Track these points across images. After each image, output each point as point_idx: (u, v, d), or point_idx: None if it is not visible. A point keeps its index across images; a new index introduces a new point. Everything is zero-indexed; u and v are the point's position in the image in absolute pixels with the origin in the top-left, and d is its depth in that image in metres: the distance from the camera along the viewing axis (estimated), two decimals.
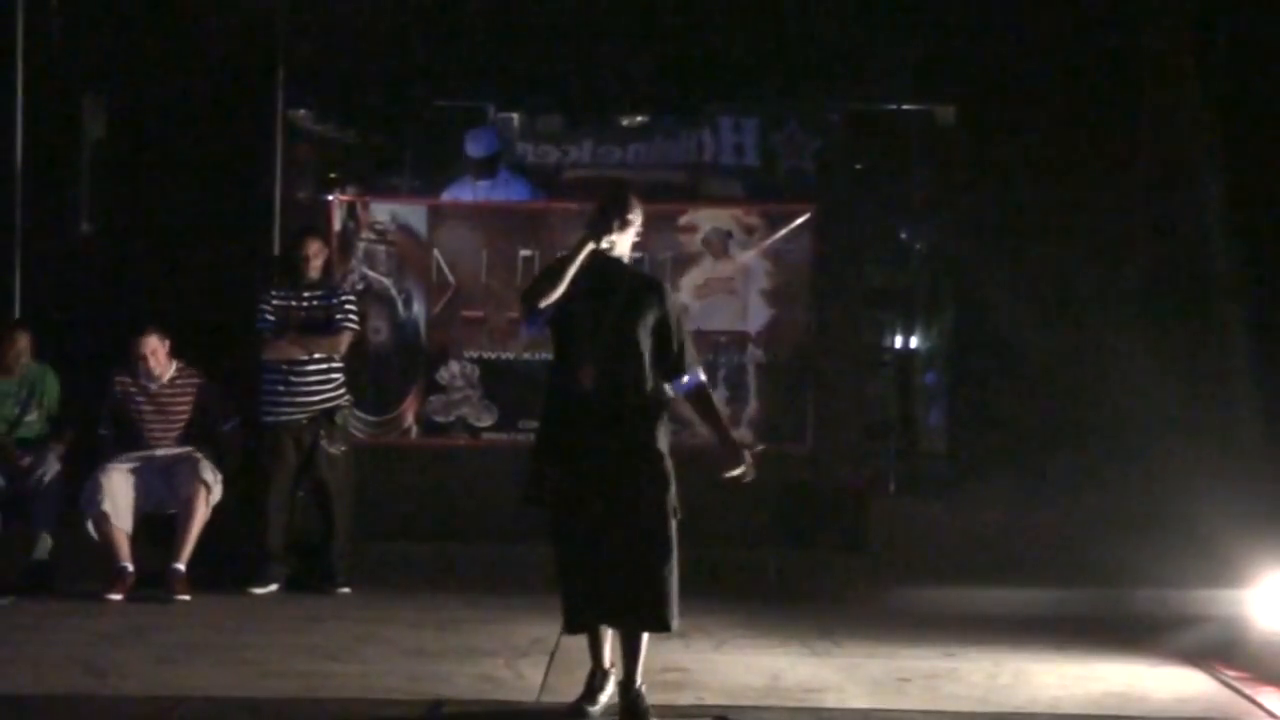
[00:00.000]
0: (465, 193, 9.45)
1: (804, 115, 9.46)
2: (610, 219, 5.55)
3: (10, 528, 7.89)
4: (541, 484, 5.63)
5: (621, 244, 5.60)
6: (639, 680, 5.59)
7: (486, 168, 9.37)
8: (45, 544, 7.84)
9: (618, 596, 5.51)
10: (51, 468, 7.93)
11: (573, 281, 5.50)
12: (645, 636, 5.58)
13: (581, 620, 5.64)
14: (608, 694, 5.72)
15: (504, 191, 9.41)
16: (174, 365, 8.15)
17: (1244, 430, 8.49)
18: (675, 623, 5.52)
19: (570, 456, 5.54)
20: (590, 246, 5.50)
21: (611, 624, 5.62)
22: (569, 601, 5.62)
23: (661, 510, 5.49)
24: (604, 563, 5.50)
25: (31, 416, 8.17)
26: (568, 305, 5.53)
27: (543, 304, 5.50)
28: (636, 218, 5.62)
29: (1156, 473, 8.44)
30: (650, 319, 5.56)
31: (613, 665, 5.74)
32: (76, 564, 7.88)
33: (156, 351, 8.07)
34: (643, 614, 5.50)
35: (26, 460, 7.93)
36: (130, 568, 7.76)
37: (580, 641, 6.00)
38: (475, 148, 9.38)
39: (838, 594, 7.96)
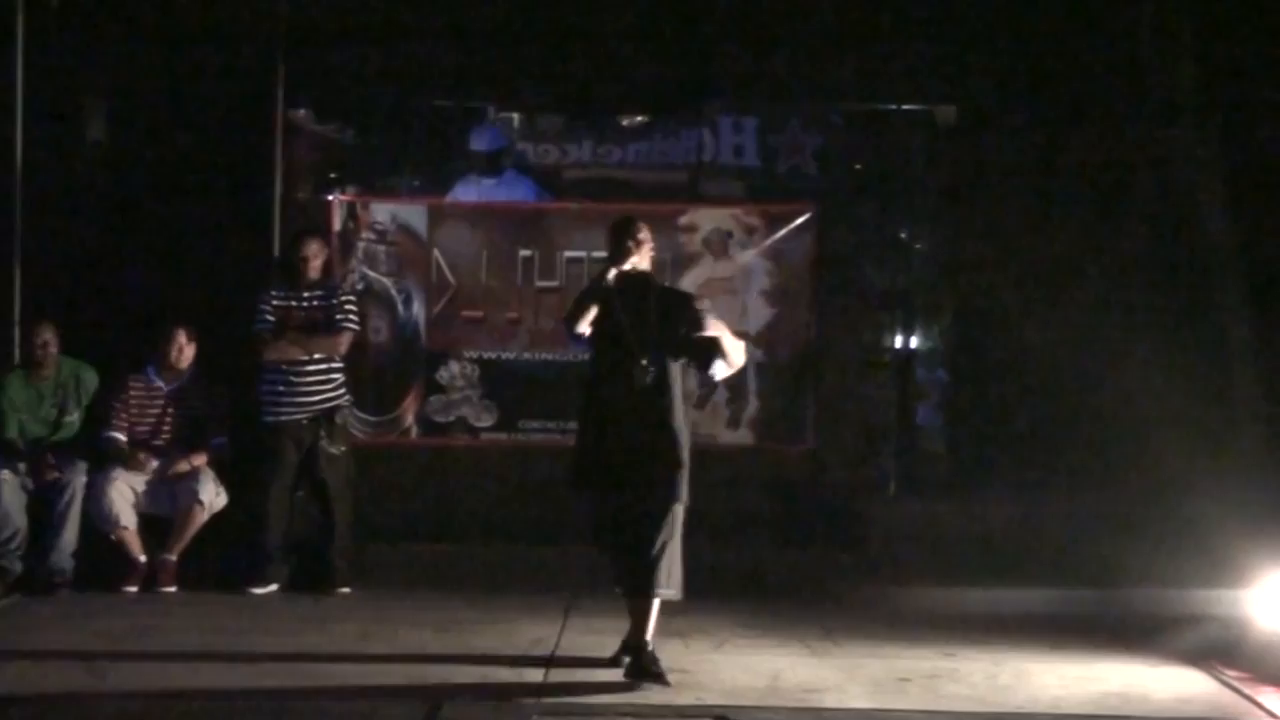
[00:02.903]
0: (471, 191, 9.45)
1: (804, 115, 9.47)
2: (624, 244, 6.28)
3: (34, 530, 7.88)
4: (583, 472, 6.28)
5: (642, 262, 6.33)
6: (649, 642, 6.13)
7: (492, 163, 9.37)
8: (65, 552, 7.84)
9: (625, 563, 6.21)
10: (79, 479, 7.89)
11: (615, 297, 6.26)
12: (656, 603, 6.14)
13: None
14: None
15: (510, 190, 9.42)
16: (193, 368, 8.22)
17: (1244, 430, 8.49)
18: (662, 591, 6.12)
19: (601, 448, 6.21)
20: (613, 271, 6.25)
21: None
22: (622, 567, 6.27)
23: (670, 492, 6.15)
24: (622, 535, 6.18)
25: (71, 417, 8.16)
26: (611, 317, 6.24)
27: (579, 327, 6.24)
28: (646, 238, 6.35)
29: (1156, 473, 8.44)
30: (670, 331, 6.24)
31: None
32: (85, 561, 7.89)
33: (184, 349, 8.17)
34: (635, 578, 6.15)
35: (54, 475, 7.90)
36: (143, 559, 7.92)
37: (579, 641, 6.34)
38: (480, 141, 9.39)
39: (838, 594, 7.96)
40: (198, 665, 6.32)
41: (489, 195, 9.40)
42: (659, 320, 6.26)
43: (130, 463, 7.99)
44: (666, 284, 6.55)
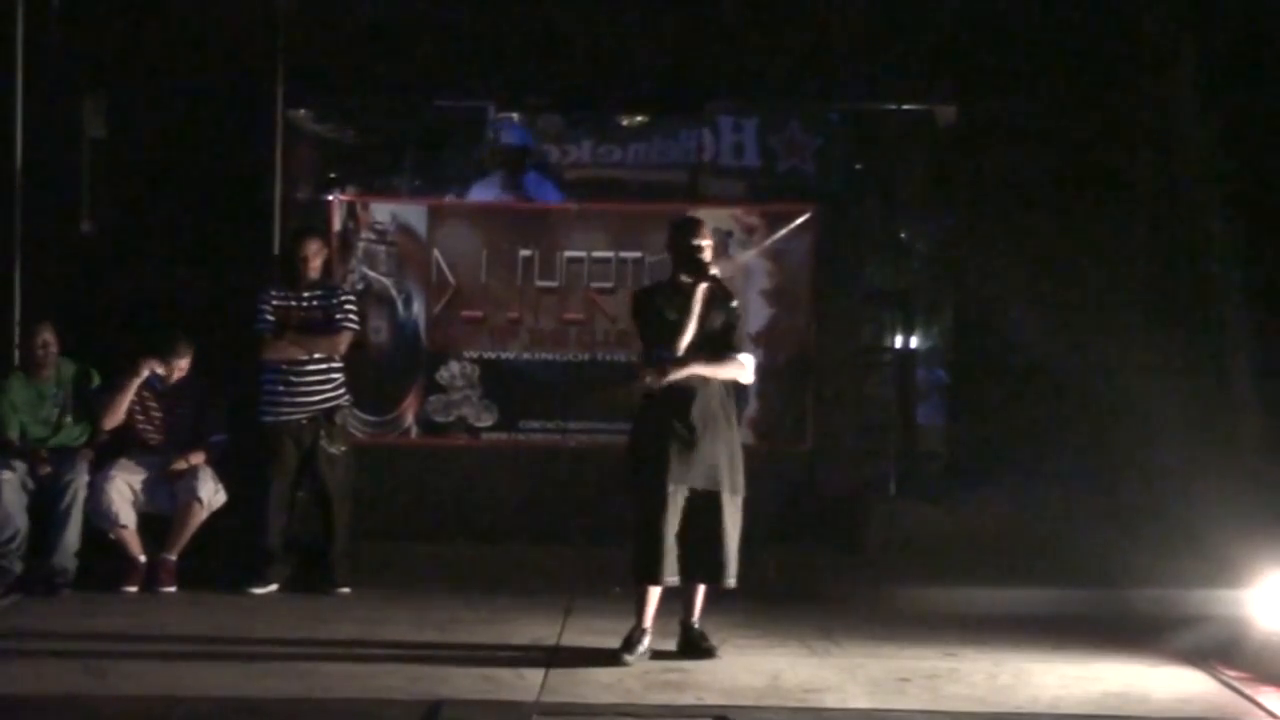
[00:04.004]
0: (493, 191, 9.42)
1: (804, 115, 9.46)
2: (687, 252, 6.56)
3: (36, 530, 7.87)
4: (637, 463, 6.56)
5: (707, 263, 6.59)
6: (697, 622, 6.62)
7: (517, 160, 9.36)
8: (68, 552, 7.83)
9: (688, 554, 6.47)
10: (80, 479, 7.87)
11: (665, 298, 6.58)
12: (702, 589, 6.60)
13: (658, 574, 6.42)
14: (644, 648, 6.45)
15: (535, 191, 9.40)
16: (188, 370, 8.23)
17: (1244, 430, 8.49)
18: (733, 581, 6.53)
19: (661, 439, 6.47)
20: (705, 286, 6.51)
21: (682, 578, 6.51)
22: (649, 557, 6.44)
23: (735, 485, 6.55)
24: (683, 525, 6.46)
25: (75, 426, 8.13)
26: (664, 316, 6.55)
27: (681, 348, 6.50)
28: (708, 241, 6.63)
29: (1156, 473, 8.44)
30: (720, 320, 6.62)
31: (651, 625, 6.51)
32: (85, 560, 7.89)
33: (184, 369, 8.17)
34: (708, 570, 6.51)
35: (47, 470, 7.87)
36: (143, 559, 7.92)
37: (580, 641, 6.40)
38: (509, 136, 9.38)
39: (838, 594, 7.96)
40: (198, 665, 6.33)
41: (517, 195, 9.37)
42: (713, 317, 6.58)
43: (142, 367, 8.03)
44: (720, 284, 6.77)
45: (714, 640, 6.59)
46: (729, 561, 6.52)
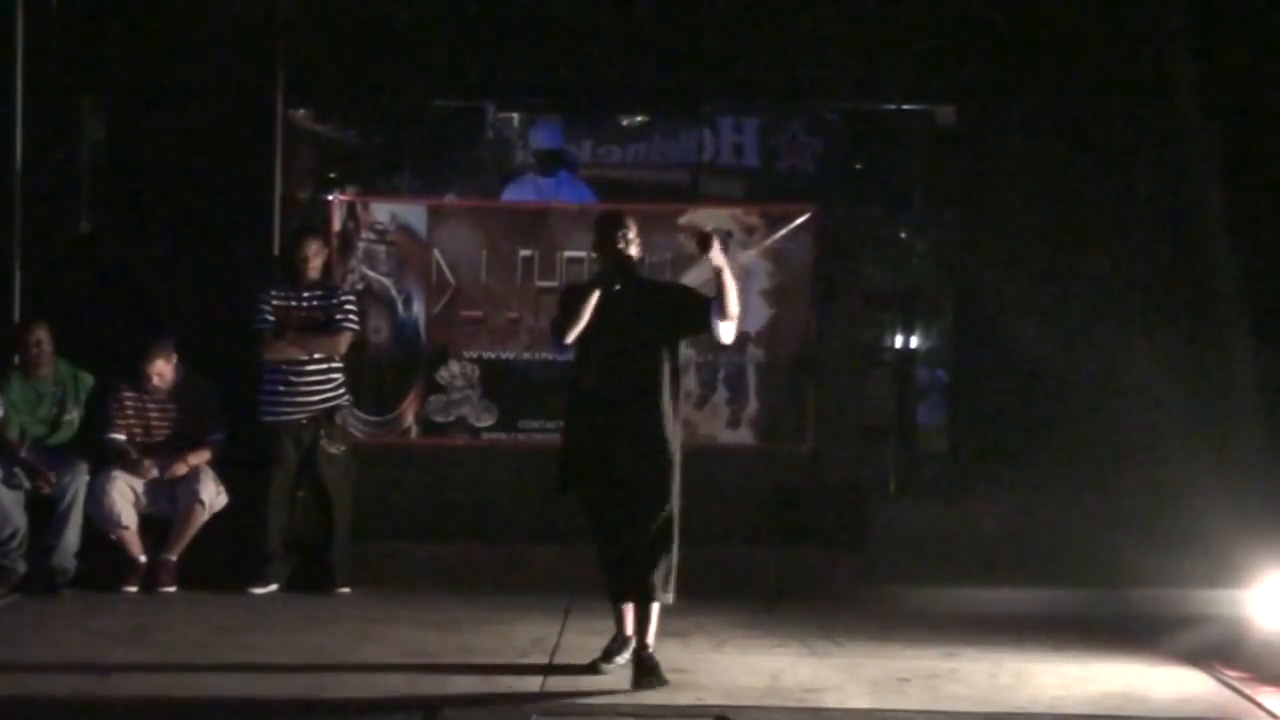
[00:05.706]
0: (527, 192, 9.41)
1: (804, 115, 9.46)
2: (611, 248, 6.23)
3: (36, 530, 7.87)
4: (567, 474, 6.27)
5: (629, 258, 6.27)
6: (650, 644, 6.14)
7: (550, 162, 9.34)
8: (68, 552, 7.83)
9: (623, 570, 6.15)
10: (80, 480, 7.88)
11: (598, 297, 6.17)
12: (655, 606, 6.13)
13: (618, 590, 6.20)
14: (624, 657, 6.24)
15: (568, 192, 9.40)
16: (180, 371, 8.20)
17: (1244, 430, 8.48)
18: (660, 594, 6.11)
19: (586, 449, 6.19)
20: (600, 284, 6.19)
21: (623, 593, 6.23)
22: (606, 572, 6.23)
23: (662, 495, 6.10)
24: (616, 540, 6.15)
25: (71, 415, 8.16)
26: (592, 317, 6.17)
27: (570, 338, 6.19)
28: (630, 231, 6.27)
29: (1156, 473, 8.43)
30: (661, 317, 6.22)
31: (632, 634, 6.24)
32: (85, 560, 7.91)
33: (163, 373, 8.14)
34: (634, 585, 6.14)
35: (48, 493, 7.87)
36: (143, 559, 7.94)
37: (579, 641, 6.38)
38: (541, 139, 9.37)
39: (838, 594, 7.97)
40: (198, 665, 6.33)
41: (554, 195, 9.37)
42: (646, 314, 6.19)
43: (134, 467, 8.00)
44: (656, 279, 6.70)
45: (714, 641, 6.57)
46: (656, 578, 6.08)
